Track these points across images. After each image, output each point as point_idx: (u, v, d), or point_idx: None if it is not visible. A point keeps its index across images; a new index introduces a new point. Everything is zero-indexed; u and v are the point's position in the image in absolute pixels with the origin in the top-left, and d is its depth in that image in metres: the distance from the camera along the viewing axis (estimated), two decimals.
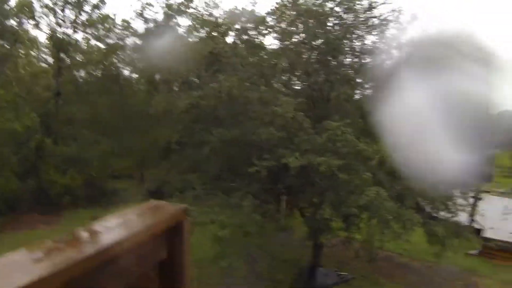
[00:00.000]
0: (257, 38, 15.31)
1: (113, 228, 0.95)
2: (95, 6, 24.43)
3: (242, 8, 15.10)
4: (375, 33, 13.64)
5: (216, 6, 19.53)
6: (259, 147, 11.31)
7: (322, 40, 12.56)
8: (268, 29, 15.10)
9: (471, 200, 16.49)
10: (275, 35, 14.93)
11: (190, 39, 20.45)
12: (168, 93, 14.50)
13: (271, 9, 15.34)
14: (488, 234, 20.61)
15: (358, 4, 13.34)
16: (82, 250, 0.83)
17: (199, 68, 13.54)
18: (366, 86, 13.50)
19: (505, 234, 21.36)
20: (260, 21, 15.30)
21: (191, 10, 22.05)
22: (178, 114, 13.28)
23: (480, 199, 20.12)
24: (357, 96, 11.98)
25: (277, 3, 15.42)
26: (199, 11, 19.67)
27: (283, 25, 14.96)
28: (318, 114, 11.63)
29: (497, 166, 65.23)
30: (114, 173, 25.24)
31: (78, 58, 26.42)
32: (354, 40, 13.36)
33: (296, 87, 13.93)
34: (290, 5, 14.39)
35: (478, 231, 21.20)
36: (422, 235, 13.27)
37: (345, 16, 13.49)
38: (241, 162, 11.67)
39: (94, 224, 0.94)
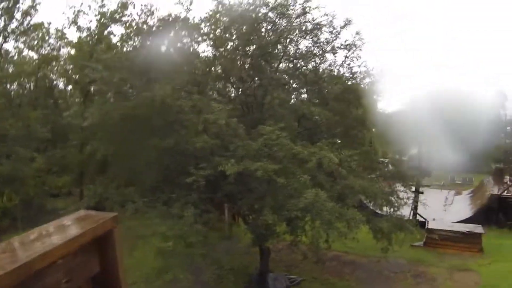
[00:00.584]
0: (191, 45, 15.03)
1: (34, 242, 0.87)
2: (26, 13, 22.92)
3: (175, 15, 14.69)
4: (309, 37, 13.72)
5: (151, 13, 19.10)
6: (195, 156, 11.07)
7: (256, 46, 12.47)
8: (203, 36, 14.89)
9: (413, 194, 16.98)
10: (209, 42, 14.73)
11: (124, 48, 19.87)
12: (102, 104, 13.90)
13: (204, 16, 15.18)
14: (431, 225, 21.35)
15: (291, 9, 13.39)
16: None
17: (133, 77, 13.09)
18: (301, 90, 13.56)
19: (447, 224, 22.27)
20: (194, 28, 15.06)
21: (125, 18, 21.41)
22: (113, 126, 12.76)
23: (421, 193, 20.81)
24: (292, 100, 11.89)
25: (210, 10, 15.27)
26: (134, 19, 19.17)
27: (217, 32, 14.81)
28: (254, 120, 11.52)
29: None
30: (53, 191, 23.95)
31: (9, 70, 25.06)
32: (288, 45, 13.38)
33: (232, 94, 13.74)
34: (223, 11, 14.25)
35: (422, 224, 21.94)
36: (367, 232, 13.51)
37: (278, 21, 13.49)
38: (178, 172, 11.37)
39: (13, 240, 0.87)
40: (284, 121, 10.96)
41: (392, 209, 13.85)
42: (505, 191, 27.05)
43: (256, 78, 12.36)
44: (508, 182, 29.86)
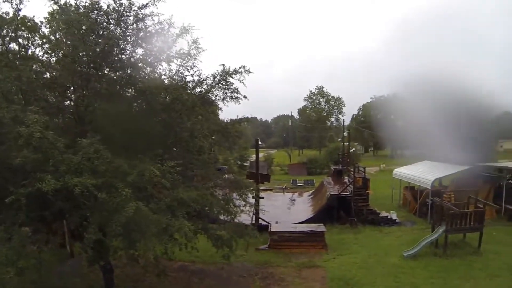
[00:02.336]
0: (25, 48, 13.65)
1: None
2: None
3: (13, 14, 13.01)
4: (145, 45, 13.41)
5: None
6: (16, 172, 10.03)
7: (84, 53, 11.78)
8: (43, 39, 13.69)
9: (253, 200, 17.66)
10: (47, 46, 13.60)
11: None
12: None
13: (44, 17, 14.00)
14: (274, 228, 22.42)
15: (126, 15, 12.94)
16: None
17: None
18: (133, 99, 13.18)
19: (290, 225, 23.66)
20: (31, 30, 13.75)
21: None
22: None
23: (261, 197, 21.79)
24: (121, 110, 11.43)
25: (48, 12, 14.11)
26: None
27: (51, 36, 13.76)
28: (82, 132, 10.85)
29: (276, 165, 73.12)
30: None
31: None
32: (120, 53, 12.90)
33: (60, 104, 12.76)
34: (58, 14, 13.23)
35: (265, 227, 22.98)
36: (208, 240, 13.66)
37: (113, 28, 12.92)
38: (2, 191, 10.14)
39: None
40: (107, 132, 10.49)
41: (230, 217, 14.21)
42: (344, 190, 29.57)
43: (83, 87, 11.64)
44: (347, 182, 32.66)
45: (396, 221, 28.08)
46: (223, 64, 13.67)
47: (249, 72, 13.49)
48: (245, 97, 13.97)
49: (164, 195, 10.51)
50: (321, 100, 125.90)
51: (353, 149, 40.26)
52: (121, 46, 12.92)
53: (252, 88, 15.08)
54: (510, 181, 29.48)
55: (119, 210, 8.78)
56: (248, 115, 15.98)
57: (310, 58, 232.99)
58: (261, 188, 27.43)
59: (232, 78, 13.59)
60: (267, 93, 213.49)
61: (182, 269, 18.07)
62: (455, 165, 29.18)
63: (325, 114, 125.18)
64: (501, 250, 20.18)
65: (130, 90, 13.13)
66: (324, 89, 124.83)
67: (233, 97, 13.94)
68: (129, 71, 12.48)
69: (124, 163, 9.42)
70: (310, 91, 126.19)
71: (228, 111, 15.45)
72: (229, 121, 15.62)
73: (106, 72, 12.56)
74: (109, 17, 12.78)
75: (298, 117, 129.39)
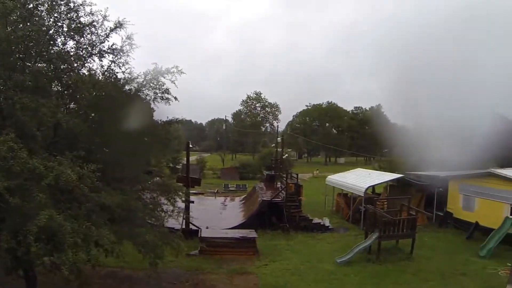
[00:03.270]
0: None
1: None
2: None
3: None
4: (76, 37, 12.52)
5: None
6: None
7: (4, 42, 10.64)
8: None
9: (183, 204, 17.14)
10: None
11: None
12: None
13: None
14: (204, 233, 21.99)
15: (59, 3, 11.99)
16: None
17: None
18: (61, 94, 12.24)
19: (221, 231, 23.29)
20: None
21: None
22: None
23: (192, 202, 21.25)
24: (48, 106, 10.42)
25: None
26: None
27: None
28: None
29: (209, 168, 72.89)
30: None
31: None
32: (49, 44, 11.91)
33: None
34: None
35: (196, 232, 22.46)
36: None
37: (44, 16, 11.90)
38: None
39: None
40: (27, 128, 9.57)
41: (158, 222, 13.62)
42: (276, 196, 29.59)
43: (6, 79, 10.50)
44: (279, 188, 32.73)
45: (329, 227, 28.51)
46: (155, 63, 13.12)
47: (182, 72, 12.98)
48: (175, 98, 13.46)
49: (86, 199, 9.70)
50: (257, 105, 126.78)
51: (286, 155, 40.56)
52: (53, 36, 11.98)
53: (188, 89, 14.59)
54: (441, 189, 30.96)
55: (32, 217, 7.95)
56: (180, 117, 15.27)
57: (250, 60, 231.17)
58: (192, 192, 26.85)
59: (164, 78, 13.03)
60: (204, 94, 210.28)
61: (110, 276, 17.09)
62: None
63: (259, 119, 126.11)
64: (433, 255, 21.14)
65: (58, 84, 12.15)
66: (261, 94, 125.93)
67: (164, 97, 13.38)
68: (58, 64, 11.48)
69: (41, 164, 8.53)
70: (247, 96, 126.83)
71: (161, 113, 14.73)
72: (160, 122, 14.90)
73: (31, 63, 11.46)
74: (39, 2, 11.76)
75: (232, 121, 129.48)
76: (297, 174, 36.09)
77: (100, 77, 12.71)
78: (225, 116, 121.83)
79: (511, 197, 19.08)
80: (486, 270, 18.89)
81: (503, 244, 21.04)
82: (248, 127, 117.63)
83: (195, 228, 23.20)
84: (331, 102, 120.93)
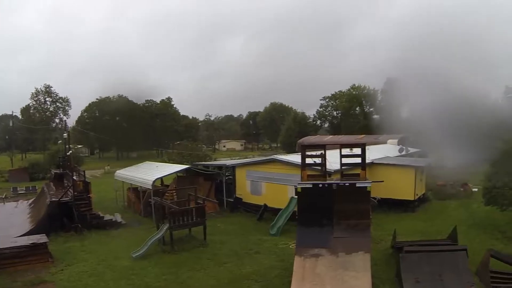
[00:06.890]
0: None
1: None
2: None
3: None
4: None
5: None
6: None
7: None
8: None
9: None
10: None
11: None
12: None
13: None
14: None
15: None
16: None
17: None
18: None
19: (10, 240, 21.16)
20: None
21: None
22: None
23: None
24: None
25: None
26: None
27: None
28: None
29: None
30: None
31: None
32: None
33: None
34: None
35: None
36: None
37: None
38: None
39: None
40: None
41: None
42: (64, 196, 27.95)
43: None
44: (66, 186, 30.86)
45: (122, 223, 28.39)
46: None
47: None
48: None
49: None
50: (47, 99, 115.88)
51: (71, 151, 38.25)
52: None
53: None
54: (230, 177, 33.53)
55: None
56: None
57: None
58: None
59: None
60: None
61: None
62: None
63: (49, 114, 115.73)
64: (227, 239, 22.92)
65: None
66: (52, 88, 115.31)
67: None
68: None
69: None
70: (36, 89, 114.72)
71: None
72: None
73: None
74: None
75: (20, 117, 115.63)
76: (84, 171, 33.87)
77: None
78: (13, 112, 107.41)
79: (294, 180, 21.46)
80: (278, 245, 21.08)
81: (290, 221, 23.56)
82: (37, 123, 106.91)
83: None
84: (122, 95, 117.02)
